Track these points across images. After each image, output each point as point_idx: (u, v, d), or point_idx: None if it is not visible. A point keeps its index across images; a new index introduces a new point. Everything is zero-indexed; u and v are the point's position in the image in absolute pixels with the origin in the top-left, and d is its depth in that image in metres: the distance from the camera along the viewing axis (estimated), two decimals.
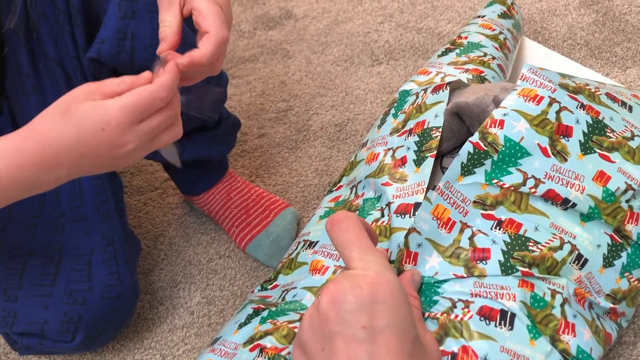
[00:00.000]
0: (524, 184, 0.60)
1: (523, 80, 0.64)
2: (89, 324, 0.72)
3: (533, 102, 0.62)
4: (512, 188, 0.60)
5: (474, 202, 0.61)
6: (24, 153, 0.49)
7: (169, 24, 0.55)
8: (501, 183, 0.60)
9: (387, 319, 0.43)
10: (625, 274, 0.62)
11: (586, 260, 0.60)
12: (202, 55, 0.53)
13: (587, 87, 0.67)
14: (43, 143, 0.49)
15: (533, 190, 0.60)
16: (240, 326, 0.64)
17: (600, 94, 0.67)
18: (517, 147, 0.60)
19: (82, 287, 0.71)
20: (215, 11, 0.54)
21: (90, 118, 0.48)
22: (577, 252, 0.60)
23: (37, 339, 0.72)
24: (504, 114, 0.62)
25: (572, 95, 0.64)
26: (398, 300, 0.44)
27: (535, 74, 0.65)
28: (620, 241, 0.62)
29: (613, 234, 0.61)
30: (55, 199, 0.72)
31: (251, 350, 0.59)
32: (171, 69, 0.51)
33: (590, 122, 0.63)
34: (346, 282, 0.44)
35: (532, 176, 0.60)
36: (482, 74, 0.84)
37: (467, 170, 0.61)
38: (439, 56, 0.93)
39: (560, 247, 0.60)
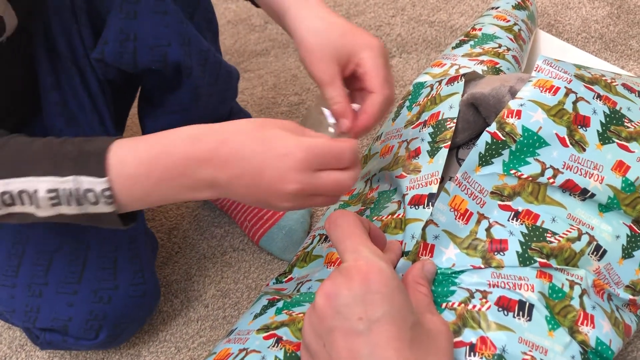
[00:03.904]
0: (542, 174, 0.60)
1: (538, 71, 0.64)
2: (113, 322, 0.72)
3: (549, 92, 0.62)
4: (530, 178, 0.60)
5: (492, 192, 0.61)
6: (200, 147, 0.51)
7: (338, 100, 0.58)
8: (519, 173, 0.60)
9: (383, 308, 0.43)
10: None
11: (605, 252, 0.60)
12: (371, 117, 0.58)
13: (603, 78, 0.66)
14: (222, 141, 0.50)
15: (551, 180, 0.60)
16: (256, 317, 0.64)
17: (617, 85, 0.66)
18: (535, 137, 0.60)
19: (107, 286, 0.71)
20: (380, 65, 0.57)
21: (281, 140, 0.50)
22: (595, 243, 0.60)
23: (60, 336, 0.72)
24: (521, 104, 0.61)
25: (588, 86, 0.63)
26: (392, 288, 0.44)
27: (550, 65, 0.64)
28: None
29: (632, 224, 0.61)
30: None
31: (265, 338, 0.59)
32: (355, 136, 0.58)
33: (608, 112, 0.63)
34: (339, 277, 0.44)
35: (551, 166, 0.60)
36: (497, 66, 0.84)
37: (485, 160, 0.61)
38: (453, 48, 0.92)
39: (579, 238, 0.59)
